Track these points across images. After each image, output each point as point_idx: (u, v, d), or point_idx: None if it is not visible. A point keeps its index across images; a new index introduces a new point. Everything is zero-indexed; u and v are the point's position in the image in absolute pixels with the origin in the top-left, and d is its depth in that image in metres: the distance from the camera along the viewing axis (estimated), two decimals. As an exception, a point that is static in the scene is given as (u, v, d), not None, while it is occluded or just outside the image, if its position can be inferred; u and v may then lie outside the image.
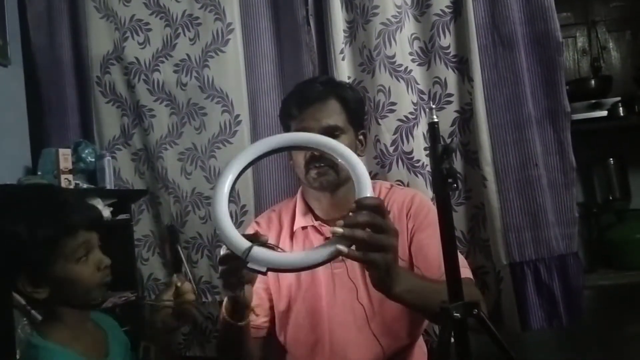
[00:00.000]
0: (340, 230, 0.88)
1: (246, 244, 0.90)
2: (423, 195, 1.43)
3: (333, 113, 1.33)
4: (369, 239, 0.89)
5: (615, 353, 1.72)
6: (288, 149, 1.13)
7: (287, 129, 1.40)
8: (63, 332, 0.96)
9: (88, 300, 0.98)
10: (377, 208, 0.91)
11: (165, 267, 1.86)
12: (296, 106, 1.35)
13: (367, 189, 0.94)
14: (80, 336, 0.98)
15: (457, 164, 1.63)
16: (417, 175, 1.61)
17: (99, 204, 1.68)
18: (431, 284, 1.05)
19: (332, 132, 1.30)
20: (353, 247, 0.89)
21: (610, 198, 2.19)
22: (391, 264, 0.93)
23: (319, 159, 1.28)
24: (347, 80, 1.63)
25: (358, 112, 1.41)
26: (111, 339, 1.05)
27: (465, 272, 1.26)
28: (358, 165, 0.98)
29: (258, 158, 1.02)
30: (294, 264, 0.92)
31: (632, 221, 2.08)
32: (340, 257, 0.90)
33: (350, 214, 0.90)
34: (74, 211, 0.96)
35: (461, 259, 1.30)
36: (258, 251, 0.89)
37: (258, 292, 1.35)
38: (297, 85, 1.45)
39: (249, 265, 0.89)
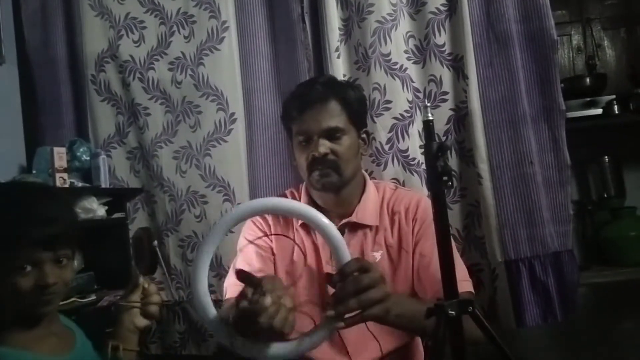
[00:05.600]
0: (332, 312, 0.93)
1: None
2: (428, 200, 1.43)
3: (334, 114, 1.32)
4: (362, 304, 0.93)
5: (610, 350, 1.72)
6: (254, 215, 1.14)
7: (288, 130, 1.41)
8: (20, 336, 0.96)
9: (28, 311, 0.96)
10: (360, 269, 0.95)
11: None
12: (297, 109, 1.34)
13: (345, 253, 0.98)
14: (45, 338, 0.99)
15: (452, 161, 1.63)
16: (412, 173, 1.61)
17: (94, 202, 1.67)
18: (423, 307, 0.98)
19: (333, 133, 1.31)
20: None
21: (605, 196, 2.19)
22: (390, 307, 0.97)
23: (322, 162, 1.29)
24: (343, 78, 1.63)
25: (359, 111, 1.40)
26: (78, 338, 1.07)
27: (467, 285, 1.26)
28: (332, 231, 1.01)
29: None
30: (292, 352, 0.97)
31: (626, 219, 2.08)
32: None
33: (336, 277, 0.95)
34: (22, 223, 0.93)
35: (463, 271, 1.29)
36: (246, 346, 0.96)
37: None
38: (297, 86, 1.45)
39: None
